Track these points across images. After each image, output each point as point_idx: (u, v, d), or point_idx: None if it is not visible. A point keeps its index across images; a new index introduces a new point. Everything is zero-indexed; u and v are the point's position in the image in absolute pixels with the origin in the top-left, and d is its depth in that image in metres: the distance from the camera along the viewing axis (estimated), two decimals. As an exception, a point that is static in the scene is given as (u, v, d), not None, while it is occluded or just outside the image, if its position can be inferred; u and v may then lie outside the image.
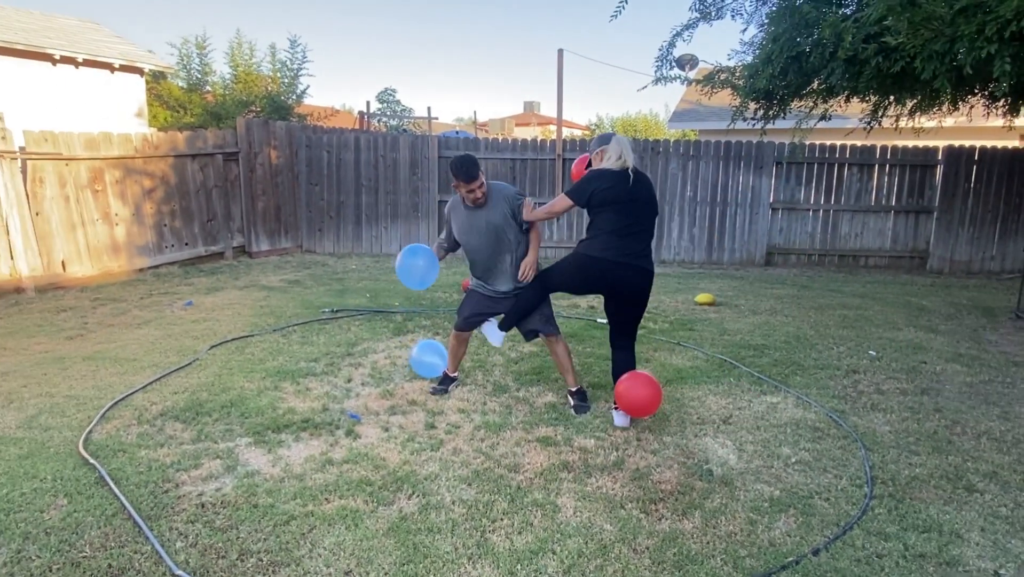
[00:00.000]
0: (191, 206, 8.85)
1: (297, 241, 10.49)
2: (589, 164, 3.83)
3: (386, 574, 2.37)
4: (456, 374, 4.35)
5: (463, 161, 3.79)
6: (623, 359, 3.79)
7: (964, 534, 2.72)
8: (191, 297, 6.90)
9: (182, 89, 13.33)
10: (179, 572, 2.34)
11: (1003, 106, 7.26)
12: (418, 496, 2.92)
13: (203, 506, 2.80)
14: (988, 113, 7.40)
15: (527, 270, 3.88)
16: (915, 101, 6.85)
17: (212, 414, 3.79)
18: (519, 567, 2.43)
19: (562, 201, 3.71)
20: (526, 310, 3.90)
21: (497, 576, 2.38)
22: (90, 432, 3.50)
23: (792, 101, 6.96)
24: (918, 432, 3.77)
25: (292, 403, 4.00)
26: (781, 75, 5.82)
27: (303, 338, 5.45)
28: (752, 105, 7.04)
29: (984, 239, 9.88)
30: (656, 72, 6.77)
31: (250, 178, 9.59)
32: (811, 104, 6.97)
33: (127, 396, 4.04)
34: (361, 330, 5.73)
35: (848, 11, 5.48)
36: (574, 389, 4.06)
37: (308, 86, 13.67)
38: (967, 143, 9.85)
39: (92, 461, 3.13)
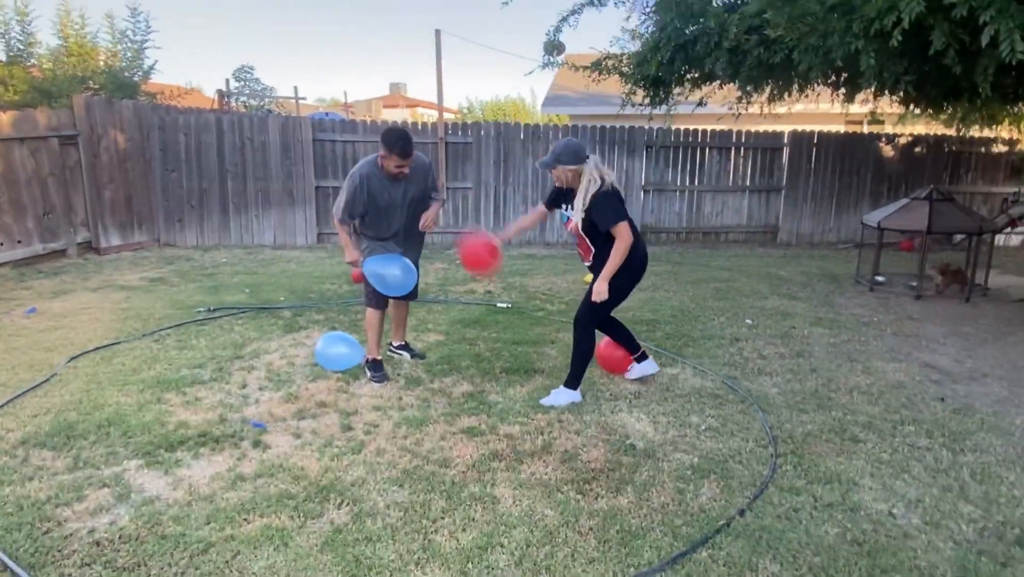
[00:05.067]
0: (22, 198, 7.67)
1: (154, 234, 9.48)
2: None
3: (329, 592, 2.21)
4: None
5: (401, 135, 3.82)
6: (616, 325, 4.11)
7: (858, 481, 3.03)
8: (33, 303, 6.01)
9: (1, 62, 11.44)
10: (83, 624, 2.03)
11: (840, 94, 8.07)
12: (348, 504, 2.75)
13: (98, 544, 2.45)
14: (833, 100, 8.18)
15: (428, 221, 4.18)
16: (772, 88, 7.45)
17: (88, 436, 3.32)
18: (470, 565, 2.37)
19: (625, 229, 3.63)
20: (586, 353, 3.90)
21: (448, 578, 2.30)
22: (-69, 472, 2.94)
23: (675, 88, 7.33)
24: (802, 392, 4.15)
25: (182, 416, 3.61)
26: (669, 63, 6.10)
27: (180, 342, 4.94)
28: (640, 92, 7.32)
29: (823, 214, 11.09)
30: (544, 57, 6.83)
31: (94, 165, 8.49)
32: (688, 91, 7.37)
33: (-27, 424, 3.44)
34: (246, 329, 5.30)
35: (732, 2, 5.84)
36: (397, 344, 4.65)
37: (156, 61, 12.31)
38: (807, 128, 10.96)
39: (-59, 507, 2.63)
